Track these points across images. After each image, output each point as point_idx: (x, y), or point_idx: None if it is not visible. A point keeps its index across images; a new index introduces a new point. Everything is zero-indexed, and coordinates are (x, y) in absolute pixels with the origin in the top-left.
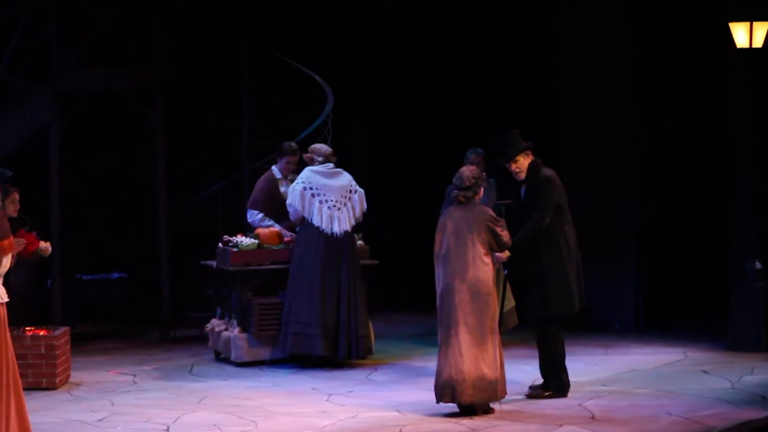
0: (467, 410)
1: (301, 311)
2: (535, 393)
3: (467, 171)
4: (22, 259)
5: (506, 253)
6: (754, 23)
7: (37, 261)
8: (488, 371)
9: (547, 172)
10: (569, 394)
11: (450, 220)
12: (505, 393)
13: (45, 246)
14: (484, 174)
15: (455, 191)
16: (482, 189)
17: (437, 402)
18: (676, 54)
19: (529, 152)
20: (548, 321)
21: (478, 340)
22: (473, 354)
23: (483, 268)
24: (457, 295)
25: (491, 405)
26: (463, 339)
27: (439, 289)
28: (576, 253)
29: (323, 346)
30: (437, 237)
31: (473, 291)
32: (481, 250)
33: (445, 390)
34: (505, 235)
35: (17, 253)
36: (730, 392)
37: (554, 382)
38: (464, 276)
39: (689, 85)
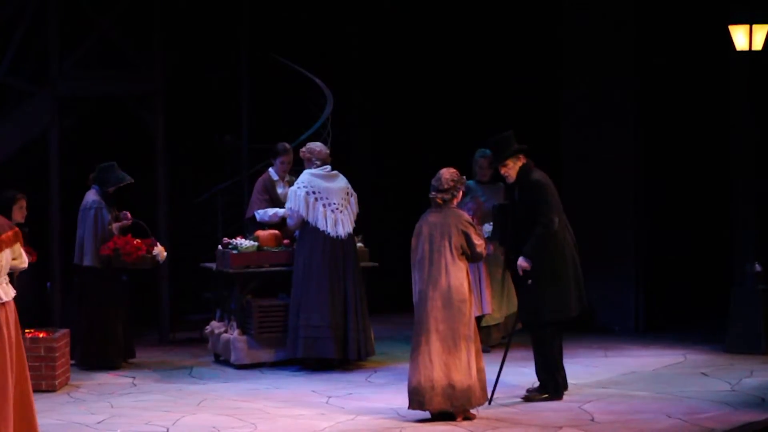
0: (438, 417)
1: (312, 315)
2: (531, 396)
3: (446, 173)
4: (128, 266)
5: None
6: (754, 26)
7: (149, 267)
8: (459, 378)
9: (537, 175)
10: (568, 397)
11: (426, 225)
12: (485, 399)
13: (157, 252)
14: (464, 177)
15: (433, 193)
16: (461, 192)
17: (408, 408)
18: (677, 56)
19: (521, 155)
20: (543, 325)
21: (449, 347)
22: (443, 361)
23: (456, 274)
24: (430, 302)
25: (472, 411)
26: (434, 346)
27: (414, 296)
28: (573, 256)
29: (334, 349)
30: (413, 242)
31: (445, 298)
32: (455, 255)
33: (412, 397)
34: (480, 244)
35: (122, 260)
36: (730, 394)
37: (550, 385)
38: (437, 283)
39: (689, 87)
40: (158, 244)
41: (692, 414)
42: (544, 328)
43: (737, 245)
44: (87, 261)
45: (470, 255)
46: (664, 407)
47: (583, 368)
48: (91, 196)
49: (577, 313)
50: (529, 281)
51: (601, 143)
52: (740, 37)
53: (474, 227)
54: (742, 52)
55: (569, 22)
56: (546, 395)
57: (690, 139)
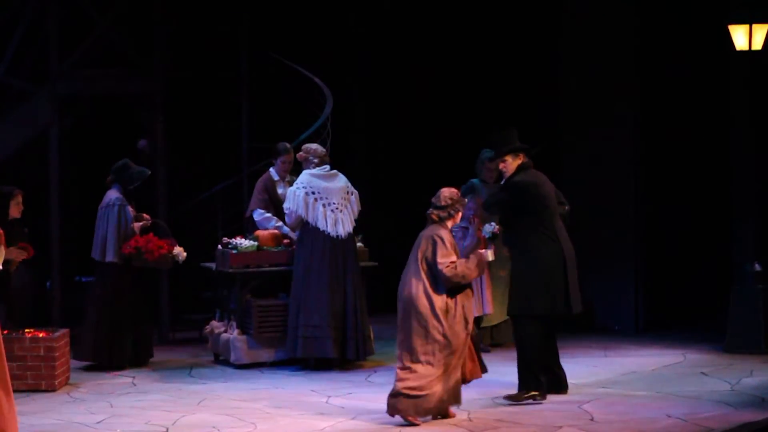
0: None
1: (312, 315)
2: (512, 396)
3: (446, 191)
4: (146, 265)
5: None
6: (754, 25)
7: (169, 266)
8: (418, 387)
9: (522, 176)
10: (568, 396)
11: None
12: (450, 412)
13: (177, 252)
14: (465, 199)
15: (430, 209)
16: (459, 214)
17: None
18: (676, 55)
19: (521, 154)
20: (519, 321)
21: (406, 357)
22: (400, 369)
23: (418, 287)
24: (398, 313)
25: (452, 409)
26: (398, 355)
27: None
28: (555, 260)
29: (334, 349)
30: None
31: (406, 310)
32: (421, 266)
33: (387, 402)
34: (443, 263)
35: (144, 258)
36: (730, 394)
37: (532, 384)
38: (401, 295)
39: (689, 87)
40: (177, 244)
41: (692, 413)
42: (522, 326)
43: (737, 245)
44: (109, 257)
45: (430, 267)
46: (664, 407)
47: (583, 368)
48: (114, 194)
49: (544, 314)
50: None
51: (601, 143)
52: (740, 36)
53: (445, 244)
54: (742, 52)
55: (569, 23)
56: (528, 394)
57: (690, 139)
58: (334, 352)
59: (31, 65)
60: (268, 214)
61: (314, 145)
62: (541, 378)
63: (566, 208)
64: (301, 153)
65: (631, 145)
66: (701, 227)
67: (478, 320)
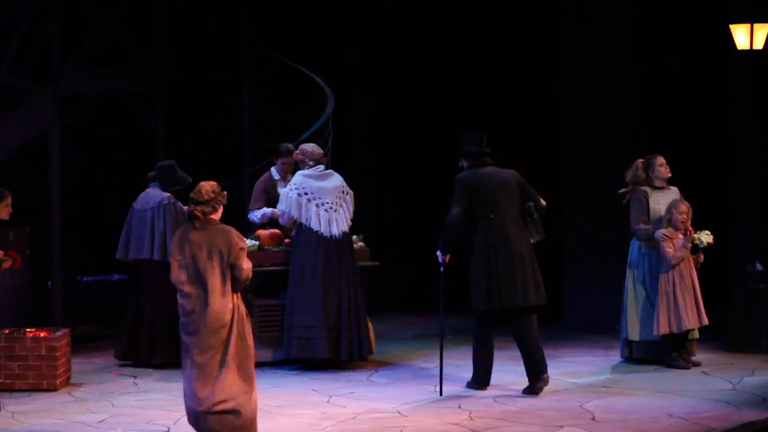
0: None
1: (305, 315)
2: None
3: (206, 185)
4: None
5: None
6: (755, 25)
7: None
8: None
9: (462, 173)
10: (569, 395)
11: (187, 244)
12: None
13: None
14: (225, 192)
15: (191, 206)
16: (221, 207)
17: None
18: (677, 55)
19: (468, 158)
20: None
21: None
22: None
23: (225, 298)
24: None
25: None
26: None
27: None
28: (496, 248)
29: (327, 349)
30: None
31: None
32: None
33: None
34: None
35: None
36: (731, 393)
37: (476, 377)
38: (206, 306)
39: (690, 87)
40: None
41: (693, 413)
42: (475, 322)
43: (738, 244)
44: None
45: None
46: (665, 406)
47: (584, 367)
48: (159, 192)
49: (497, 307)
50: (441, 269)
51: (602, 143)
52: (741, 36)
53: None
54: (743, 51)
55: (569, 23)
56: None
57: (690, 139)
58: (327, 353)
59: (32, 65)
60: (260, 211)
61: (311, 147)
62: (482, 371)
63: (541, 203)
64: (297, 154)
65: (631, 145)
66: (703, 226)
67: (685, 334)
